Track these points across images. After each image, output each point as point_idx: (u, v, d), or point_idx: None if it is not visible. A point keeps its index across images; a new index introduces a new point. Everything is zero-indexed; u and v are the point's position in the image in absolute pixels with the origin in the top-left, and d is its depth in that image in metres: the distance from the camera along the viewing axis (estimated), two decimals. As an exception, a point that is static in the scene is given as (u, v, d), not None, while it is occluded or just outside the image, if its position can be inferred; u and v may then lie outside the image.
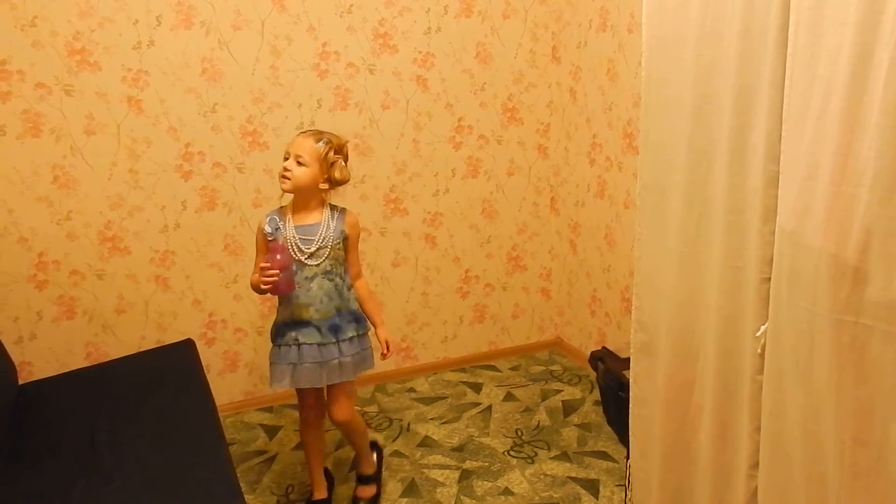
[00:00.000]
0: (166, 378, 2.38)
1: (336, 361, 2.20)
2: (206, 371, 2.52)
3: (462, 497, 2.47)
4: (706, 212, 1.63)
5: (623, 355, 2.62)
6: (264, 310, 3.09)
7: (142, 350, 2.81)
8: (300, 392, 2.30)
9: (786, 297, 1.38)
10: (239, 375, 3.13)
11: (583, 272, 3.47)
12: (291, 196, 2.18)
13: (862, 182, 1.18)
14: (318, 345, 2.18)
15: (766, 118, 1.42)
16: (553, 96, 3.45)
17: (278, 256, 2.07)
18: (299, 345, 2.18)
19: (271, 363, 2.23)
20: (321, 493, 2.41)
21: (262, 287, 2.10)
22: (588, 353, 2.92)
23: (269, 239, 2.15)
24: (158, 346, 2.81)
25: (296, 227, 2.16)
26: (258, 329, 3.11)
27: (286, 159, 2.13)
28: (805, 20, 1.28)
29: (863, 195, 1.18)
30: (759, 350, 1.50)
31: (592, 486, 2.51)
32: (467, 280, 3.48)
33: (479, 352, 3.58)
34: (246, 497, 2.18)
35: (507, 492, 2.49)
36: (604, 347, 2.86)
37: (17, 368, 2.49)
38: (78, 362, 2.83)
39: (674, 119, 1.68)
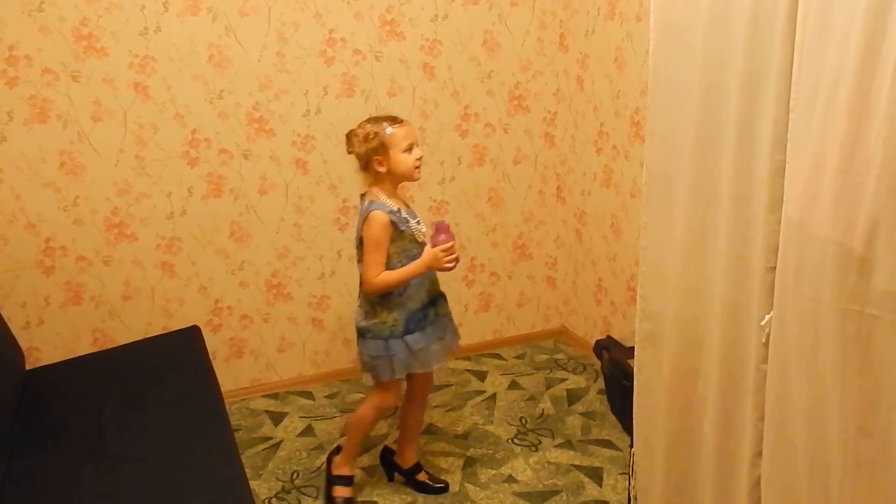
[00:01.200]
0: (172, 364, 2.40)
1: (453, 326, 2.39)
2: (211, 357, 2.54)
3: (466, 484, 2.48)
4: (713, 201, 1.62)
5: (628, 344, 2.60)
6: (270, 297, 3.10)
7: (148, 336, 2.83)
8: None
9: (791, 286, 1.37)
10: (244, 362, 3.14)
11: (588, 261, 3.46)
12: (373, 184, 2.19)
13: (869, 171, 1.18)
14: (448, 314, 2.36)
15: (774, 107, 1.41)
16: (560, 84, 3.43)
17: (442, 236, 2.13)
18: (439, 316, 2.29)
19: (414, 350, 2.21)
20: (413, 460, 2.51)
21: (448, 266, 2.13)
22: (593, 342, 2.91)
23: (401, 229, 2.15)
24: (165, 332, 2.82)
25: (406, 212, 2.22)
26: (264, 316, 3.12)
27: (409, 149, 2.14)
28: (814, 8, 1.27)
29: (870, 184, 1.18)
30: (763, 339, 1.49)
31: (596, 475, 2.52)
32: (473, 268, 3.48)
33: (483, 340, 3.58)
34: (251, 482, 2.20)
35: (510, 479, 2.50)
36: (609, 336, 2.85)
37: (25, 354, 2.51)
38: (85, 348, 2.85)
39: (681, 108, 1.67)
